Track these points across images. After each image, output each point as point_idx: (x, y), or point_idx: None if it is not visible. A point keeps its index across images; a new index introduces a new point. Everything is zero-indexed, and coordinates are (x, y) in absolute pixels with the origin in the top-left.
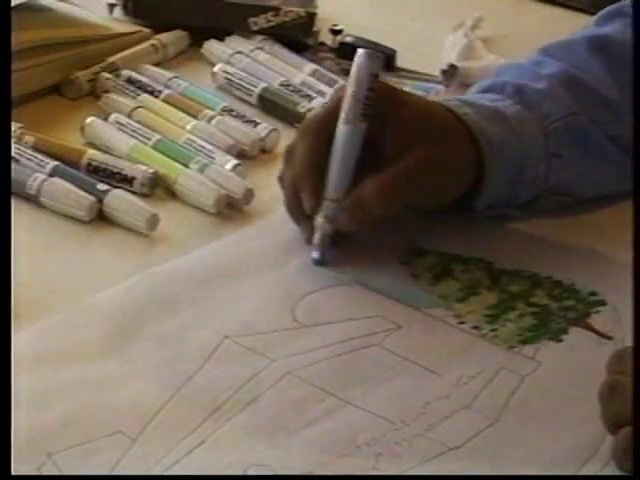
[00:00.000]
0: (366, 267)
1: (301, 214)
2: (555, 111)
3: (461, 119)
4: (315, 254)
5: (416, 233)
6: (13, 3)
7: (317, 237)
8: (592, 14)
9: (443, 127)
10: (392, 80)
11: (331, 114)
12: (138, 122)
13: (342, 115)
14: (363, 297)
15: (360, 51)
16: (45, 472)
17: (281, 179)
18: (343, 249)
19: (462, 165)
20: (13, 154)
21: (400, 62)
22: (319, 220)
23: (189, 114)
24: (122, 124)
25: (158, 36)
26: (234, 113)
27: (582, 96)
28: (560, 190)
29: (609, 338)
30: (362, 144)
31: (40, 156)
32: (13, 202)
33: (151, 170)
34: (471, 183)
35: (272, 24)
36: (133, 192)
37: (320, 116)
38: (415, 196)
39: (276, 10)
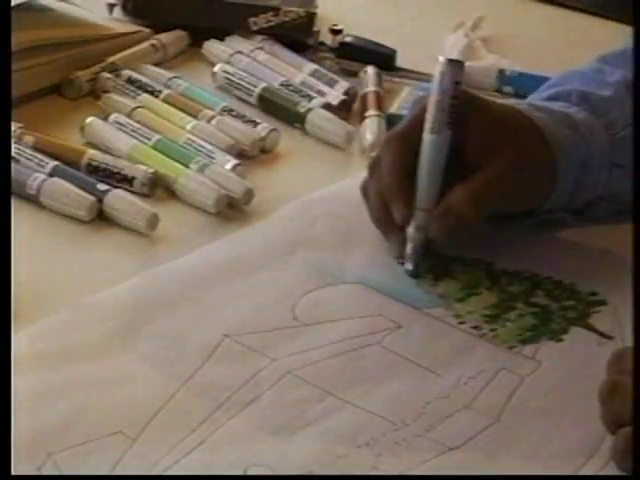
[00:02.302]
0: (366, 266)
1: (391, 226)
2: (622, 119)
3: (535, 122)
4: (409, 265)
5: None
6: (13, 3)
7: (410, 248)
8: (592, 14)
9: (523, 130)
10: (392, 80)
11: (416, 124)
12: (138, 122)
13: (427, 125)
14: (363, 296)
15: (442, 59)
16: (45, 472)
17: (365, 190)
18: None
19: (542, 167)
20: (13, 154)
21: (400, 62)
22: (411, 231)
23: (189, 114)
24: (122, 124)
25: (158, 36)
26: (234, 113)
27: None
28: (615, 199)
29: (609, 338)
30: (448, 152)
31: (40, 156)
32: (13, 202)
33: (151, 170)
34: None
35: (272, 24)
36: (133, 192)
37: (405, 127)
38: (505, 202)
39: (276, 10)
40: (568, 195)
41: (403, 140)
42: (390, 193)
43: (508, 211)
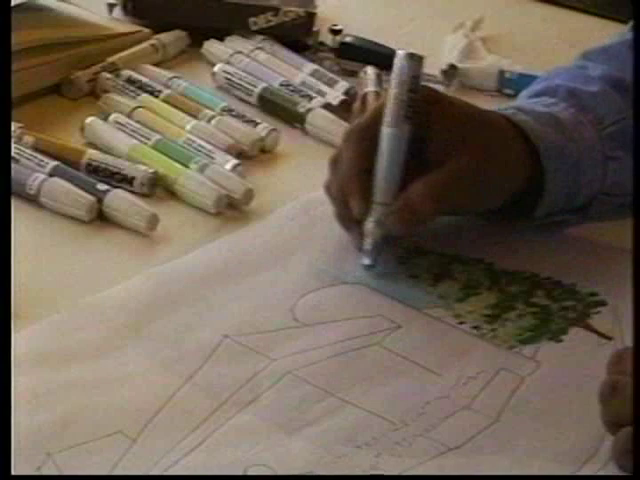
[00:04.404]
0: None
1: (350, 221)
2: (609, 114)
3: (518, 126)
4: (366, 260)
5: (416, 233)
6: (13, 3)
7: (368, 242)
8: (592, 14)
9: (494, 131)
10: None
11: (374, 119)
12: (138, 122)
13: (386, 118)
14: (363, 296)
15: (400, 53)
16: (45, 472)
17: (328, 188)
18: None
19: (514, 170)
20: (13, 154)
21: None
22: (369, 225)
23: (189, 114)
24: (122, 124)
25: (158, 36)
26: (234, 113)
27: (629, 98)
28: (615, 191)
29: (609, 338)
30: (407, 147)
31: (40, 156)
32: (13, 202)
33: (151, 170)
34: (523, 188)
35: (272, 24)
36: (133, 192)
37: (363, 121)
38: (464, 199)
39: (276, 10)
40: (565, 197)
41: (362, 134)
42: (348, 187)
43: (469, 209)
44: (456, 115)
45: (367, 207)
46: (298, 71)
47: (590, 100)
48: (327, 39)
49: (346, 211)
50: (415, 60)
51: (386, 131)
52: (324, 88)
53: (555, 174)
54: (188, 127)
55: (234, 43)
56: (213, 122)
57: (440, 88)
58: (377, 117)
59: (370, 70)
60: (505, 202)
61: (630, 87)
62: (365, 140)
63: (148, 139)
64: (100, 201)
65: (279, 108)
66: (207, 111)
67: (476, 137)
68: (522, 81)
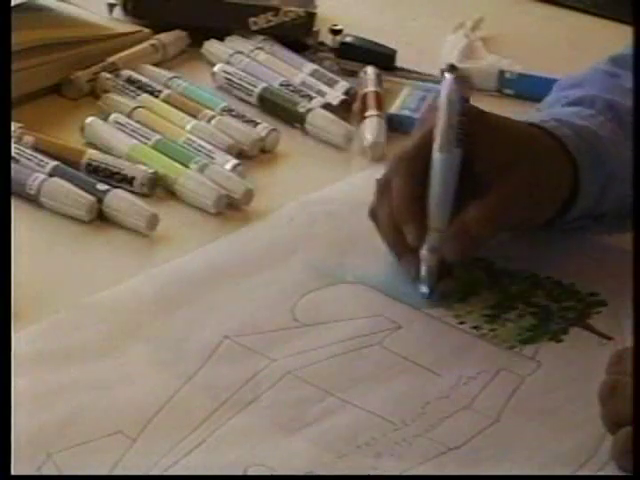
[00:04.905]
0: (366, 266)
1: (404, 248)
2: None
3: (560, 140)
4: (424, 288)
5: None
6: (13, 3)
7: (424, 270)
8: (592, 14)
9: (539, 149)
10: (392, 80)
11: (424, 143)
12: (138, 122)
13: (437, 144)
14: (363, 296)
15: (448, 76)
16: (45, 472)
17: (374, 213)
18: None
19: (559, 186)
20: (13, 154)
21: (400, 62)
22: (425, 252)
23: (189, 114)
24: (122, 124)
25: (158, 36)
26: (234, 113)
27: None
28: None
29: (609, 338)
30: (459, 170)
31: (40, 156)
32: (13, 202)
33: (151, 170)
34: (566, 198)
35: (272, 24)
36: (133, 192)
37: (413, 146)
38: (518, 218)
39: (276, 10)
40: (592, 206)
41: (413, 161)
42: (402, 215)
43: (523, 226)
44: (502, 134)
45: (422, 234)
46: (298, 71)
47: (628, 115)
48: (327, 39)
49: (399, 238)
50: (463, 83)
51: (438, 157)
52: (324, 88)
53: (589, 186)
54: (188, 127)
55: (234, 43)
56: (213, 122)
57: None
58: (427, 142)
59: (370, 70)
60: None
61: None
62: (416, 166)
63: (148, 139)
64: (100, 201)
65: (279, 108)
66: (207, 111)
67: (524, 154)
68: (522, 81)
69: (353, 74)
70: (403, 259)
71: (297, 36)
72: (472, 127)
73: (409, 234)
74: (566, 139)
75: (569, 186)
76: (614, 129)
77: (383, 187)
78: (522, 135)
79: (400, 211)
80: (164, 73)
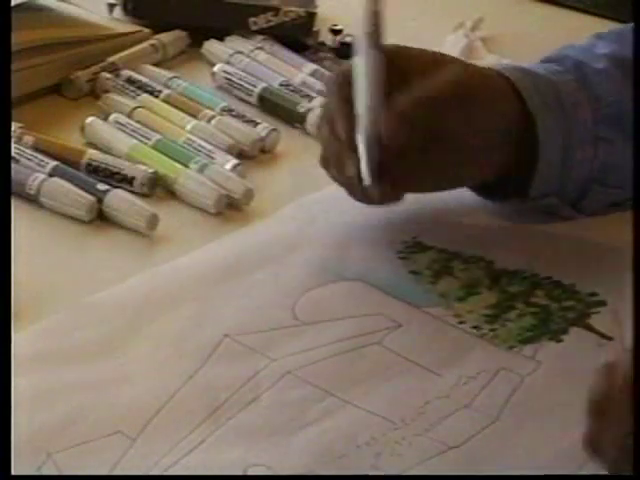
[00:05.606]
0: (366, 265)
1: (343, 154)
2: (608, 95)
3: (509, 81)
4: (366, 178)
5: (416, 228)
6: (13, 3)
7: (362, 149)
8: (592, 14)
9: (480, 78)
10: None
11: (349, 69)
12: (138, 122)
13: (356, 50)
14: (363, 294)
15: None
16: (45, 472)
17: (320, 135)
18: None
19: (500, 111)
20: (13, 154)
21: None
22: (359, 137)
23: (189, 114)
24: (122, 124)
25: (158, 36)
26: (234, 113)
27: (630, 79)
28: (611, 182)
29: (609, 338)
30: (383, 75)
31: (40, 156)
32: (13, 202)
33: (151, 170)
34: (512, 157)
35: (272, 24)
36: (133, 192)
37: (340, 70)
38: (448, 120)
39: (276, 10)
40: (559, 176)
41: (346, 81)
42: (336, 115)
43: (469, 169)
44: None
45: (352, 125)
46: (298, 71)
47: (594, 76)
48: (327, 39)
49: (336, 145)
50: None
51: (357, 59)
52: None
53: (548, 145)
54: (188, 127)
55: (234, 43)
56: (213, 122)
57: None
58: (349, 71)
59: None
60: (499, 179)
61: (631, 67)
62: (350, 86)
63: (148, 139)
64: (100, 201)
65: (279, 108)
66: (207, 111)
67: (459, 66)
68: None
69: None
70: (346, 163)
71: (297, 36)
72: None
73: (341, 129)
74: (516, 79)
75: (522, 135)
76: (574, 89)
77: (324, 112)
78: (465, 66)
79: (335, 115)
80: (164, 73)
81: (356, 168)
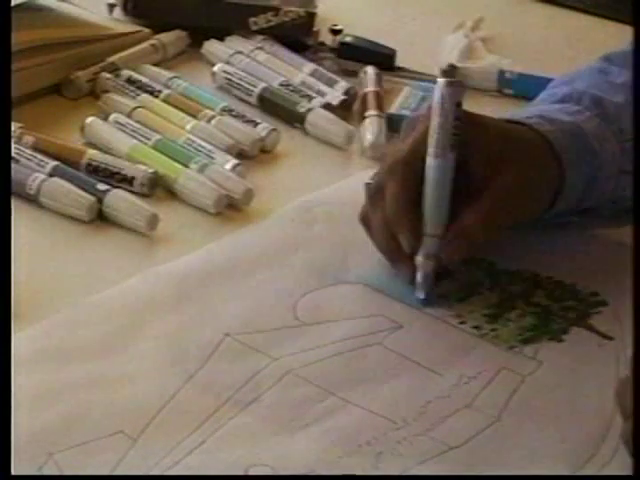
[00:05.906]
0: (367, 266)
1: (398, 254)
2: (630, 127)
3: (544, 137)
4: (420, 294)
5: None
6: (13, 3)
7: (420, 276)
8: (592, 14)
9: (528, 147)
10: (392, 80)
11: (417, 148)
12: (138, 122)
13: (431, 149)
14: (364, 296)
15: (441, 81)
16: (46, 472)
17: (366, 218)
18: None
19: (548, 182)
20: (13, 154)
21: (400, 62)
22: (420, 259)
23: (189, 114)
24: (122, 124)
25: (158, 36)
26: (234, 113)
27: None
28: (622, 202)
29: (610, 338)
30: (453, 175)
31: (40, 156)
32: (13, 202)
33: (151, 170)
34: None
35: (272, 24)
36: (133, 192)
37: (407, 152)
38: (512, 216)
39: (276, 10)
40: (576, 201)
41: (407, 166)
42: (396, 221)
43: (515, 224)
44: (492, 135)
45: (417, 241)
46: (298, 71)
47: (615, 110)
48: (327, 39)
49: (393, 244)
50: (457, 87)
51: (433, 162)
52: (324, 88)
53: (573, 182)
54: (188, 127)
55: (234, 43)
56: (213, 122)
57: None
58: (420, 147)
59: (370, 70)
60: None
61: None
62: (410, 172)
63: (148, 139)
64: (100, 201)
65: (279, 108)
66: (207, 111)
67: (514, 154)
68: (522, 81)
69: (353, 74)
70: (398, 265)
71: (297, 36)
72: (465, 131)
73: (404, 241)
74: (550, 135)
75: (555, 182)
76: (598, 125)
77: (375, 192)
78: (509, 133)
79: (395, 217)
80: (164, 73)
81: (409, 271)
